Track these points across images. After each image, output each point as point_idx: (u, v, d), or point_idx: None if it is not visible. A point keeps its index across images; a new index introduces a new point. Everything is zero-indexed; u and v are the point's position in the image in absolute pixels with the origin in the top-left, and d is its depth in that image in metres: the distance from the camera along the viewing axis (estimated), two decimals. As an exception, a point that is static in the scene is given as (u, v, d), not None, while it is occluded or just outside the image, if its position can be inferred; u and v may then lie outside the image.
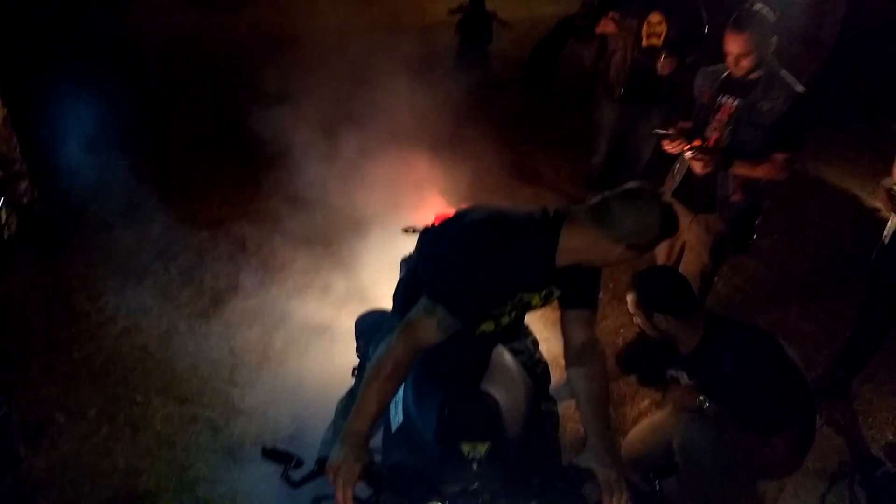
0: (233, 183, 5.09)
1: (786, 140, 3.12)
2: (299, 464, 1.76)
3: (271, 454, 1.78)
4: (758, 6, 3.10)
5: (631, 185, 1.94)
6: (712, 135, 3.25)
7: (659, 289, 2.72)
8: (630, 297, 2.76)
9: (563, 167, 5.62)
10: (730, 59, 3.12)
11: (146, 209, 4.65)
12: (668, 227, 1.89)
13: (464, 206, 2.21)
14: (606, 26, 4.12)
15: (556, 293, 2.08)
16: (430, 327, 1.87)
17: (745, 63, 3.08)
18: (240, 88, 5.86)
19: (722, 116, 3.21)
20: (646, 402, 3.53)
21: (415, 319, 1.89)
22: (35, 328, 3.78)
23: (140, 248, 4.37)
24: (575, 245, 1.93)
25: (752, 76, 3.12)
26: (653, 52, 4.04)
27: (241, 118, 5.18)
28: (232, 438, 3.22)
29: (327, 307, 3.90)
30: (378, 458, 1.87)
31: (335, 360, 3.36)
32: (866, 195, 5.60)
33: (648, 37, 4.05)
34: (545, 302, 2.10)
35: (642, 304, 2.72)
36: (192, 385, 3.49)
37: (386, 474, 1.75)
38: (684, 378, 2.85)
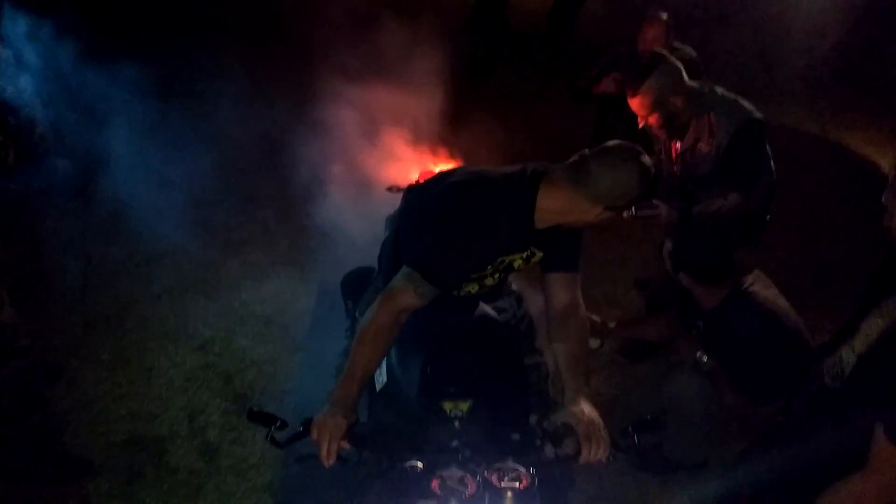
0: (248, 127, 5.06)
1: (732, 180, 3.11)
2: (284, 425, 1.79)
3: (256, 416, 1.80)
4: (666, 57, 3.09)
5: (611, 143, 1.90)
6: (670, 168, 3.31)
7: (695, 253, 2.69)
8: (667, 246, 2.77)
9: (576, 129, 5.56)
10: (640, 120, 3.14)
11: (162, 161, 4.66)
12: (647, 187, 1.86)
13: (447, 168, 2.19)
14: (608, 86, 4.19)
15: (539, 254, 2.06)
16: (409, 294, 1.87)
17: (653, 120, 3.09)
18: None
19: (672, 155, 3.27)
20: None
21: (395, 287, 1.90)
22: (51, 274, 3.85)
23: (155, 199, 4.40)
24: (552, 206, 1.91)
25: (683, 120, 3.12)
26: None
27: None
28: (242, 387, 3.30)
29: (334, 261, 3.94)
30: (363, 418, 1.89)
31: (342, 315, 3.40)
32: (885, 164, 5.52)
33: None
34: (527, 263, 2.09)
35: (675, 258, 2.72)
36: (203, 334, 3.56)
37: (368, 434, 1.77)
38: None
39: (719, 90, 3.16)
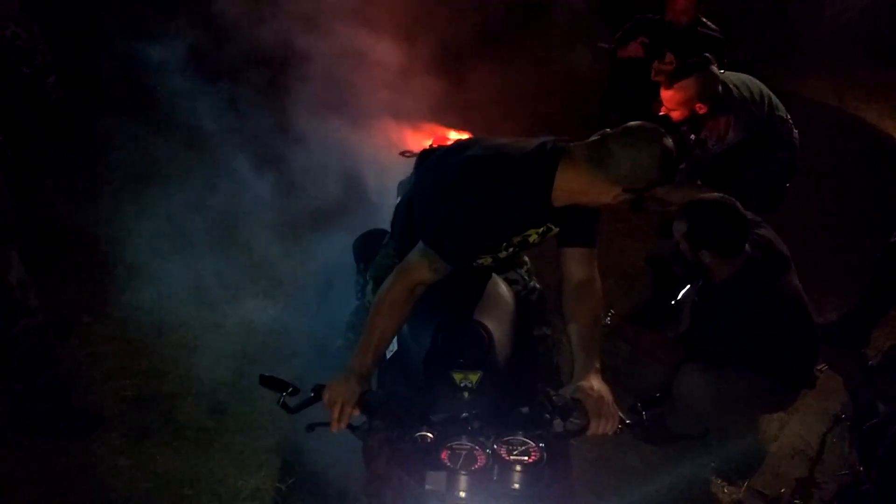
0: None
1: (717, 178, 3.40)
2: (296, 391, 1.80)
3: (268, 381, 1.82)
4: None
5: (633, 123, 1.86)
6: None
7: (714, 227, 2.58)
8: (679, 226, 2.65)
9: (589, 93, 5.50)
10: (663, 108, 3.36)
11: (172, 120, 4.63)
12: (667, 171, 1.83)
13: (464, 137, 2.17)
14: (635, 50, 4.20)
15: (554, 230, 2.06)
16: (423, 270, 1.90)
17: (676, 115, 3.32)
18: None
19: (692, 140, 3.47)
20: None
21: (410, 262, 1.92)
22: (63, 229, 3.86)
23: (166, 158, 4.40)
24: (570, 186, 1.90)
25: (702, 122, 3.35)
26: (657, 87, 3.99)
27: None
28: (252, 348, 3.33)
29: (345, 224, 3.94)
30: (372, 385, 1.90)
31: (351, 277, 3.41)
32: (902, 137, 5.46)
33: (657, 73, 4.10)
34: (543, 238, 2.09)
35: (692, 237, 2.62)
36: (214, 294, 3.58)
37: (378, 402, 1.78)
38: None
39: (747, 91, 3.35)
